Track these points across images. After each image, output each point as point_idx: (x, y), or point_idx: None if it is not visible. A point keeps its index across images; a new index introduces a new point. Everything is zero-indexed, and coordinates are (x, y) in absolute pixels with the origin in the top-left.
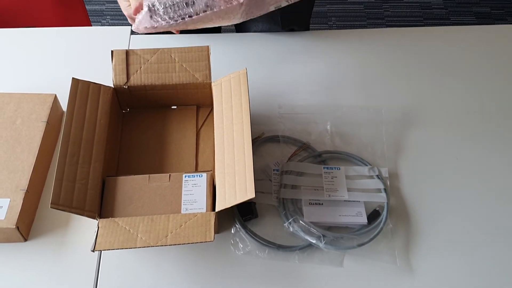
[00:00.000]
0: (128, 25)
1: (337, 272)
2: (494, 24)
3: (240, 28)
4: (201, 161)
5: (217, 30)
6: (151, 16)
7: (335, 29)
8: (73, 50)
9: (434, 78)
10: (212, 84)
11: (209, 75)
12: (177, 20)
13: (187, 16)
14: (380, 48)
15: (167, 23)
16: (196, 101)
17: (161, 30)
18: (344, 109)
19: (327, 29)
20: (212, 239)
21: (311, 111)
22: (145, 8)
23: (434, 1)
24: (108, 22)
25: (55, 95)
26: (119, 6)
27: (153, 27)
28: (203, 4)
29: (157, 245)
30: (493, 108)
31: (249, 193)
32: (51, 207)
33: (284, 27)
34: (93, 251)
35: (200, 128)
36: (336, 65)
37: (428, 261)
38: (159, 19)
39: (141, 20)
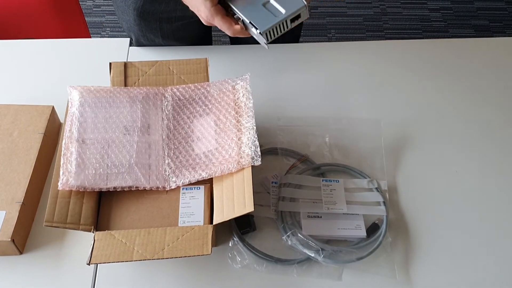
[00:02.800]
0: (127, 37)
1: (336, 286)
2: (492, 36)
3: (236, 41)
4: None
5: (208, 42)
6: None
7: (334, 41)
8: (72, 62)
9: (434, 91)
10: None
11: None
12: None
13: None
14: (379, 61)
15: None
16: None
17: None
18: (343, 122)
19: (326, 41)
20: (210, 252)
21: (310, 123)
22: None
23: (433, 14)
24: (107, 34)
25: (53, 107)
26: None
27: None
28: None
29: (153, 258)
30: (493, 121)
31: (248, 207)
32: (45, 225)
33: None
34: (88, 264)
35: None
36: (335, 77)
37: (428, 275)
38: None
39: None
